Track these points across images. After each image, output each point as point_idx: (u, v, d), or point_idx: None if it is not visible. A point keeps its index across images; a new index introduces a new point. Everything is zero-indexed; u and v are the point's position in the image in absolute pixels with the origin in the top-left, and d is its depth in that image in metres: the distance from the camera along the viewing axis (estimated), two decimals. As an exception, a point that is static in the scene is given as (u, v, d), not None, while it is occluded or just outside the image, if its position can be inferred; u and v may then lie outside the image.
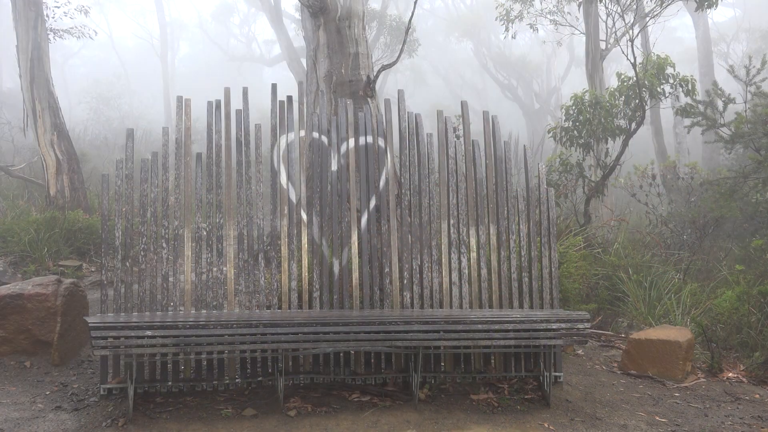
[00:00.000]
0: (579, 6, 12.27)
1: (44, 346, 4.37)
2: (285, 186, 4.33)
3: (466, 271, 4.33)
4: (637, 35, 9.50)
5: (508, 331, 3.68)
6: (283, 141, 4.42)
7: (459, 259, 4.34)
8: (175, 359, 3.97)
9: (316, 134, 4.47)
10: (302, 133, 4.47)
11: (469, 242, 4.37)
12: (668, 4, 10.76)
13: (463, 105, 4.76)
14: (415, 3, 6.69)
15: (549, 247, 4.39)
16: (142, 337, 3.39)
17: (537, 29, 14.75)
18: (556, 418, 3.69)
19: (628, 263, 6.52)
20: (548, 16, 14.66)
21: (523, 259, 4.36)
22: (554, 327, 3.69)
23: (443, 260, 4.32)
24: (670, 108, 11.46)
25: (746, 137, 7.08)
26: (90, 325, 3.32)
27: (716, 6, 10.26)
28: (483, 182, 4.49)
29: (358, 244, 4.32)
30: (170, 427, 3.42)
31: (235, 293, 4.13)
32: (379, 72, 6.30)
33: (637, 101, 7.71)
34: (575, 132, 8.02)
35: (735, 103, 7.51)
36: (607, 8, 10.38)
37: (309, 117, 4.67)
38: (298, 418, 3.56)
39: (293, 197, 4.33)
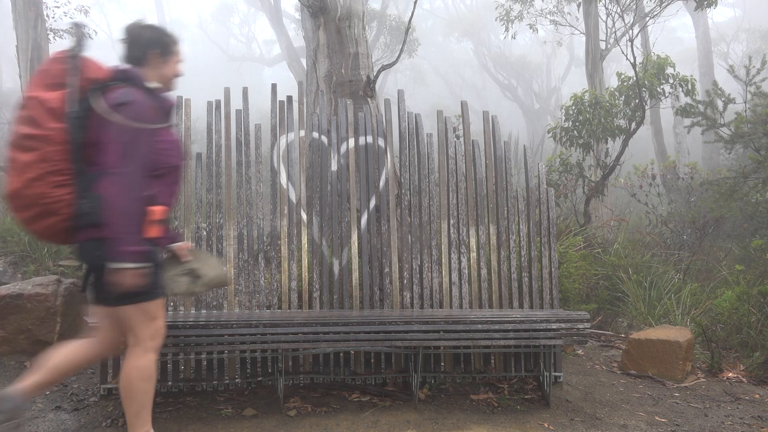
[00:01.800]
0: (579, 6, 12.27)
1: (44, 346, 4.36)
2: (285, 186, 4.33)
3: (466, 271, 4.33)
4: (637, 35, 9.49)
5: (508, 331, 3.68)
6: (283, 141, 4.41)
7: (459, 259, 4.34)
8: (175, 359, 3.97)
9: (315, 134, 4.47)
10: (302, 133, 4.47)
11: (469, 242, 4.37)
12: (667, 4, 10.76)
13: (463, 105, 4.76)
14: (415, 3, 6.68)
15: (549, 247, 4.39)
16: (142, 337, 3.38)
17: (537, 29, 14.75)
18: (556, 418, 3.69)
19: (628, 263, 6.51)
20: (548, 16, 14.67)
21: (523, 259, 4.36)
22: (554, 327, 3.69)
23: (443, 260, 4.32)
24: (670, 108, 11.48)
25: (746, 137, 7.09)
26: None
27: (715, 5, 10.23)
28: (483, 182, 4.49)
29: (358, 244, 4.32)
30: (170, 427, 3.42)
31: (235, 293, 4.13)
32: (379, 72, 6.30)
33: (637, 101, 7.71)
34: (575, 132, 8.01)
35: (735, 103, 7.52)
36: (606, 8, 10.39)
37: (309, 117, 4.67)
38: (298, 418, 3.56)
39: (293, 197, 4.33)
